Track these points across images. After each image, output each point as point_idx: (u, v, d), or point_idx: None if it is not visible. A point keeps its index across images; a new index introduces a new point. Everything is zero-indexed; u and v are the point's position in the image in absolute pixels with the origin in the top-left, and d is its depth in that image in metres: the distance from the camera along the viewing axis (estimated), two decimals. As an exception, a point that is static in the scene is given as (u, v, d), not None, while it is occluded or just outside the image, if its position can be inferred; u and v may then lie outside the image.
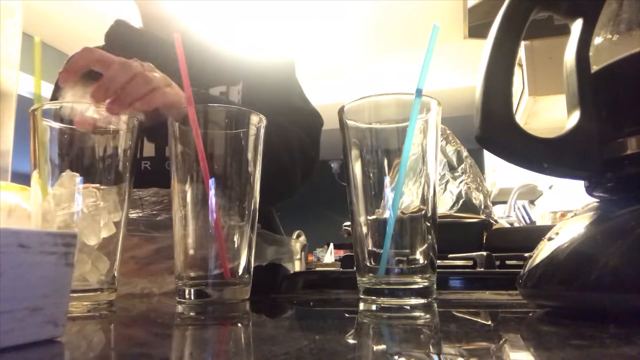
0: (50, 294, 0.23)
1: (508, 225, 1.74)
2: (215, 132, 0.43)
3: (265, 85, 0.86)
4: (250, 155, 0.43)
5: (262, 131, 0.45)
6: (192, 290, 0.41)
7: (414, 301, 0.38)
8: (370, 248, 0.41)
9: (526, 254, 0.37)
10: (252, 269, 0.43)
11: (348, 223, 0.82)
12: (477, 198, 1.45)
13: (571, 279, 0.29)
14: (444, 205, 1.44)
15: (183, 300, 0.41)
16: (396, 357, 0.20)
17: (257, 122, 0.45)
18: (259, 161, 0.45)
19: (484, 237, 0.91)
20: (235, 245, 0.42)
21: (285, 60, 0.96)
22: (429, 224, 0.40)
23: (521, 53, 1.31)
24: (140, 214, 0.54)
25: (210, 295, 0.40)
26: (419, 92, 0.39)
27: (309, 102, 0.94)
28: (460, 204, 1.42)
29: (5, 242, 0.21)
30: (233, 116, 0.44)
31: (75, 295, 0.38)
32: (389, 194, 0.39)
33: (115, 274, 0.42)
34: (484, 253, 0.69)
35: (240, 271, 0.42)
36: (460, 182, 1.49)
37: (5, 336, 0.21)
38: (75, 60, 0.52)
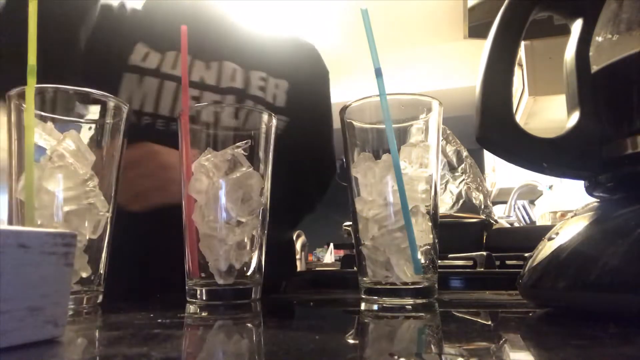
0: (50, 294, 0.23)
1: (508, 225, 1.74)
2: (226, 131, 0.43)
3: (307, 100, 0.85)
4: (261, 154, 0.43)
5: (273, 130, 0.45)
6: (203, 291, 0.41)
7: (415, 301, 0.38)
8: (370, 248, 0.41)
9: (526, 254, 0.37)
10: (263, 269, 0.43)
11: (348, 223, 0.82)
12: (477, 198, 1.45)
13: (571, 279, 0.29)
14: (444, 205, 1.44)
15: (194, 301, 0.41)
16: (397, 357, 0.20)
17: (268, 121, 0.44)
18: (270, 160, 0.44)
19: (484, 237, 0.91)
20: (246, 245, 0.41)
21: (322, 73, 0.94)
22: (430, 224, 0.40)
23: (521, 53, 1.31)
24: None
25: (221, 295, 0.40)
26: (378, 71, 0.40)
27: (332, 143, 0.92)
28: (460, 204, 1.42)
29: (5, 242, 0.21)
30: (244, 115, 0.44)
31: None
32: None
33: (102, 275, 0.42)
34: (484, 253, 0.69)
35: (251, 271, 0.42)
36: (460, 182, 1.49)
37: (5, 336, 0.21)
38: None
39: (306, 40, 0.94)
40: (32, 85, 0.38)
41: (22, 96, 0.40)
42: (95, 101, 0.43)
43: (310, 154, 0.82)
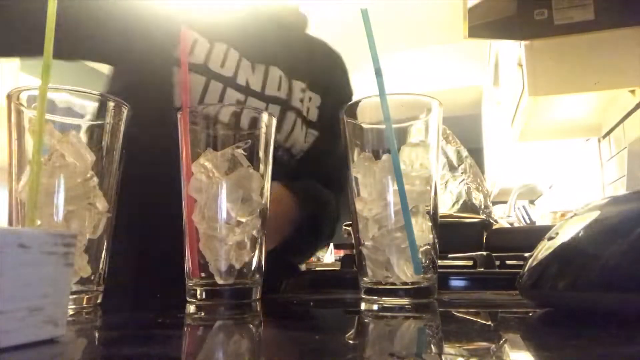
0: (50, 294, 0.23)
1: (508, 225, 1.74)
2: (226, 131, 0.43)
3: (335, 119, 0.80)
4: (261, 154, 0.43)
5: (273, 130, 0.45)
6: (203, 291, 0.40)
7: (415, 301, 0.38)
8: (370, 248, 0.41)
9: (526, 254, 0.37)
10: (262, 269, 0.43)
11: (348, 223, 0.82)
12: (477, 198, 1.45)
13: (571, 278, 0.29)
14: (444, 205, 1.44)
15: (194, 301, 0.41)
16: (397, 357, 0.20)
17: (268, 122, 0.44)
18: (269, 161, 0.44)
19: (484, 237, 0.91)
20: (246, 245, 0.41)
21: (349, 96, 0.85)
22: (430, 224, 0.40)
23: (521, 53, 1.30)
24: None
25: (221, 295, 0.40)
26: (378, 71, 0.40)
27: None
28: (460, 204, 1.42)
29: (5, 242, 0.21)
30: (244, 116, 0.44)
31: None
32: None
33: (102, 274, 0.42)
34: (484, 253, 0.69)
35: (251, 271, 0.42)
36: (460, 182, 1.49)
37: (5, 336, 0.21)
38: None
39: (336, 52, 0.89)
40: (45, 84, 0.38)
41: (20, 95, 0.40)
42: (95, 101, 0.43)
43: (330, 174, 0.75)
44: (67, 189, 0.40)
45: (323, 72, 0.81)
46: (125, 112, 0.45)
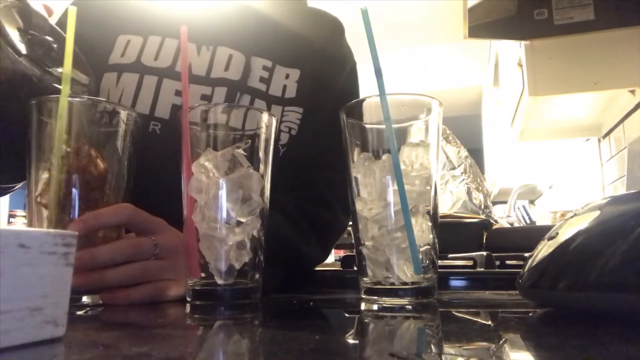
0: (50, 294, 0.23)
1: (508, 225, 1.74)
2: (225, 132, 0.43)
3: (320, 89, 0.71)
4: (261, 154, 0.43)
5: (273, 130, 0.45)
6: (203, 291, 0.40)
7: (415, 301, 0.38)
8: (370, 248, 0.41)
9: (526, 254, 0.37)
10: (262, 269, 0.43)
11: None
12: (477, 198, 1.45)
13: (571, 278, 0.29)
14: (444, 205, 1.44)
15: (194, 301, 0.41)
16: (397, 357, 0.20)
17: (268, 122, 0.44)
18: (269, 161, 0.44)
19: (484, 237, 0.92)
20: (246, 245, 0.41)
21: (339, 59, 0.77)
22: (430, 224, 0.40)
23: (521, 53, 1.30)
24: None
25: (221, 295, 0.40)
26: (378, 72, 0.40)
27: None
28: (460, 204, 1.42)
29: (5, 242, 0.21)
30: (244, 116, 0.44)
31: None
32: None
33: None
34: (484, 253, 0.69)
35: (251, 271, 0.42)
36: (460, 182, 1.49)
37: (5, 336, 0.21)
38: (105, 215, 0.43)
39: (328, 17, 0.80)
40: (66, 93, 0.42)
41: (42, 106, 0.43)
42: (106, 110, 0.46)
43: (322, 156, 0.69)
44: (82, 194, 0.43)
45: (296, 42, 0.72)
46: (133, 120, 0.47)
